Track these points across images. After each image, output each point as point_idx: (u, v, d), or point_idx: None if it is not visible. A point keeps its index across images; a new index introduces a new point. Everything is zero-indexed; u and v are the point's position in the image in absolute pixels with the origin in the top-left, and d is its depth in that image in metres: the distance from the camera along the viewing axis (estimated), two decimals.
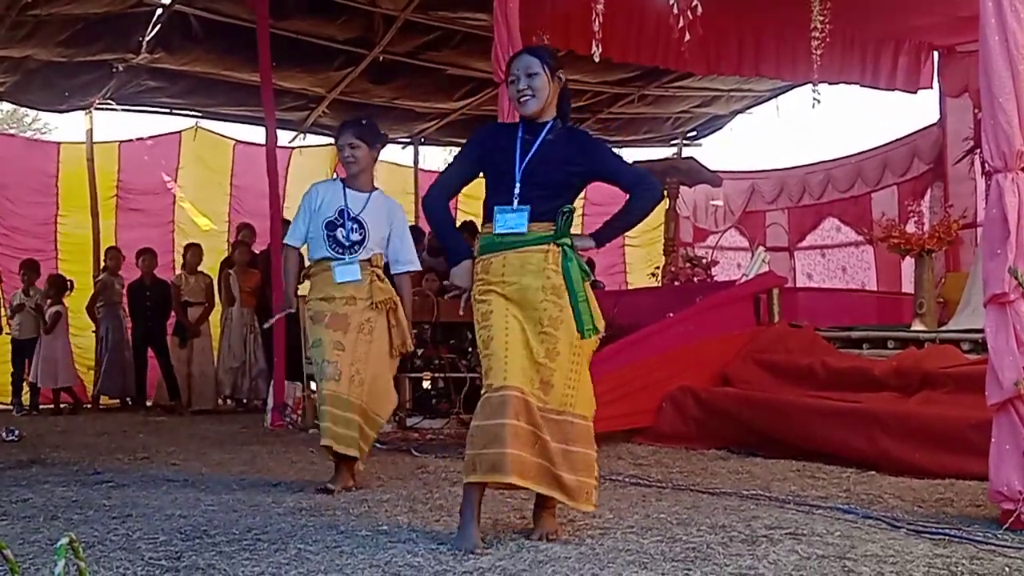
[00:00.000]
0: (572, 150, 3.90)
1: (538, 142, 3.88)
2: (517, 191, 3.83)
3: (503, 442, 3.59)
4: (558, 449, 3.71)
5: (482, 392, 3.79)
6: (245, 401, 10.74)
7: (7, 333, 10.56)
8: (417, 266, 5.61)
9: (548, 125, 3.93)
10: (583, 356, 3.88)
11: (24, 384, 10.57)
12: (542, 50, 4.08)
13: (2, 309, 10.95)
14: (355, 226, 5.23)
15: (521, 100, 3.92)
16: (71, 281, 10.97)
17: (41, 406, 10.59)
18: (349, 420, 5.07)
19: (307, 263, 5.47)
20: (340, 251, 5.22)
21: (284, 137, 12.35)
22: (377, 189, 5.46)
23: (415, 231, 9.50)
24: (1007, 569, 3.25)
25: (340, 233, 5.23)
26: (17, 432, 7.65)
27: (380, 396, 5.27)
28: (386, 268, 5.42)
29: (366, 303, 5.19)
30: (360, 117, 5.79)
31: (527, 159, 3.86)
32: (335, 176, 5.57)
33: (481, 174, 4.04)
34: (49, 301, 10.68)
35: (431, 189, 4.11)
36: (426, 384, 8.54)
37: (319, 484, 5.10)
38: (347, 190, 5.32)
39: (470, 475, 3.69)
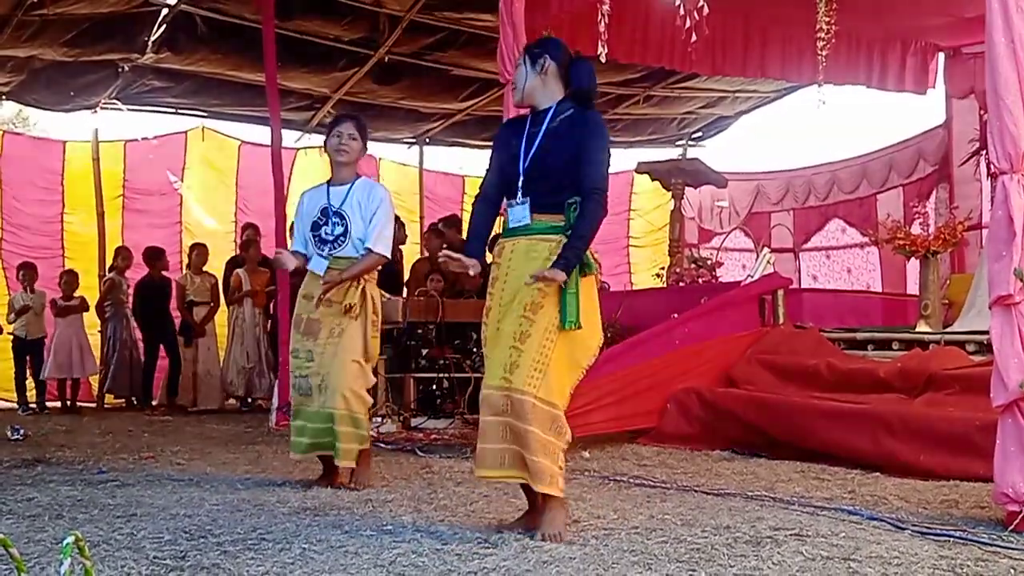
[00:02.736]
0: (571, 133, 3.90)
1: (540, 133, 3.92)
2: (520, 183, 3.90)
3: (484, 437, 3.84)
4: (521, 428, 3.76)
5: None
6: (250, 400, 10.75)
7: (9, 333, 10.58)
8: (382, 254, 5.24)
9: (550, 112, 3.95)
10: (571, 349, 3.86)
11: (27, 382, 10.57)
12: (532, 43, 4.14)
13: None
14: (337, 220, 5.20)
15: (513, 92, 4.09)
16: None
17: (47, 403, 10.61)
18: (327, 429, 5.10)
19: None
20: (323, 247, 5.22)
21: (289, 137, 12.36)
22: (360, 177, 5.36)
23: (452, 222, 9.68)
24: (1012, 571, 3.25)
25: (324, 231, 5.22)
26: (22, 431, 7.67)
27: (345, 388, 5.07)
28: (384, 276, 5.40)
29: (340, 306, 5.16)
30: (354, 113, 5.77)
31: (530, 153, 3.91)
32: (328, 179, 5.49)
33: None
34: (63, 294, 10.81)
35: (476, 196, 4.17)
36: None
37: (312, 482, 5.25)
38: (330, 188, 5.28)
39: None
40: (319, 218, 5.23)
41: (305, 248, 5.36)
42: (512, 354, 3.80)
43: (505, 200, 4.00)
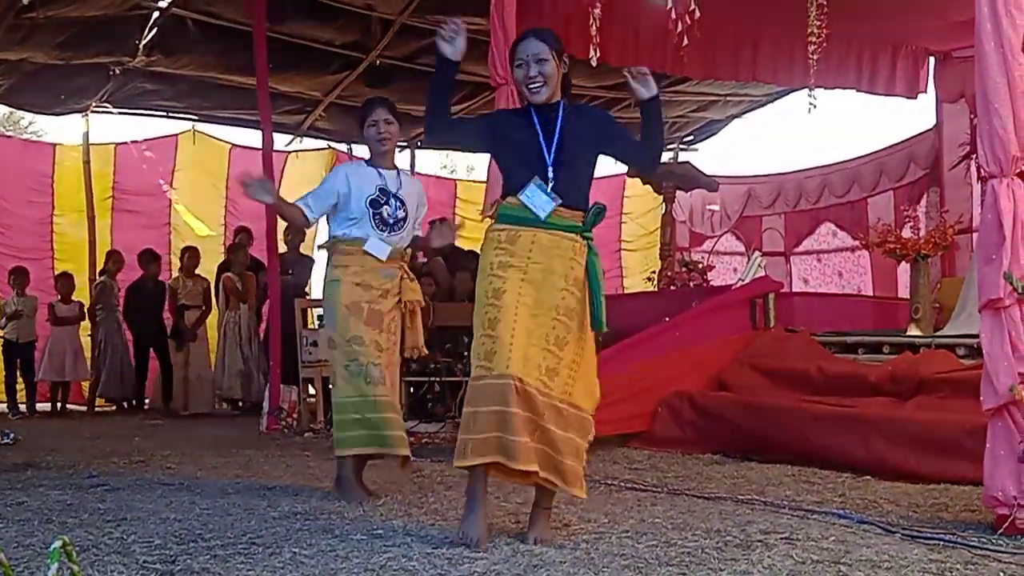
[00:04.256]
0: (587, 123, 3.98)
1: (559, 123, 3.90)
2: (551, 175, 3.84)
3: (512, 429, 3.60)
4: (559, 436, 3.74)
5: (473, 372, 3.76)
6: (241, 404, 10.72)
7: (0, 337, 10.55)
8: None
9: (559, 105, 3.95)
10: (586, 349, 3.92)
11: (17, 385, 10.53)
12: (548, 34, 4.02)
13: None
14: (399, 204, 5.09)
15: (532, 88, 3.90)
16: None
17: (38, 405, 10.57)
18: (400, 422, 5.03)
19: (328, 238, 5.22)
20: (384, 229, 5.05)
21: (280, 140, 12.36)
22: (396, 166, 5.32)
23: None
24: (1001, 574, 3.25)
25: (386, 211, 5.05)
26: (12, 435, 7.64)
27: (396, 391, 5.20)
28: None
29: (394, 299, 5.08)
30: (383, 96, 5.62)
31: (555, 142, 3.87)
32: (366, 159, 5.36)
33: (489, 154, 4.06)
34: (60, 296, 10.83)
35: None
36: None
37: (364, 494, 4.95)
38: (379, 169, 5.14)
39: (464, 459, 3.66)
40: (378, 196, 5.06)
41: (319, 215, 5.13)
42: (548, 358, 3.77)
43: (524, 180, 3.86)
